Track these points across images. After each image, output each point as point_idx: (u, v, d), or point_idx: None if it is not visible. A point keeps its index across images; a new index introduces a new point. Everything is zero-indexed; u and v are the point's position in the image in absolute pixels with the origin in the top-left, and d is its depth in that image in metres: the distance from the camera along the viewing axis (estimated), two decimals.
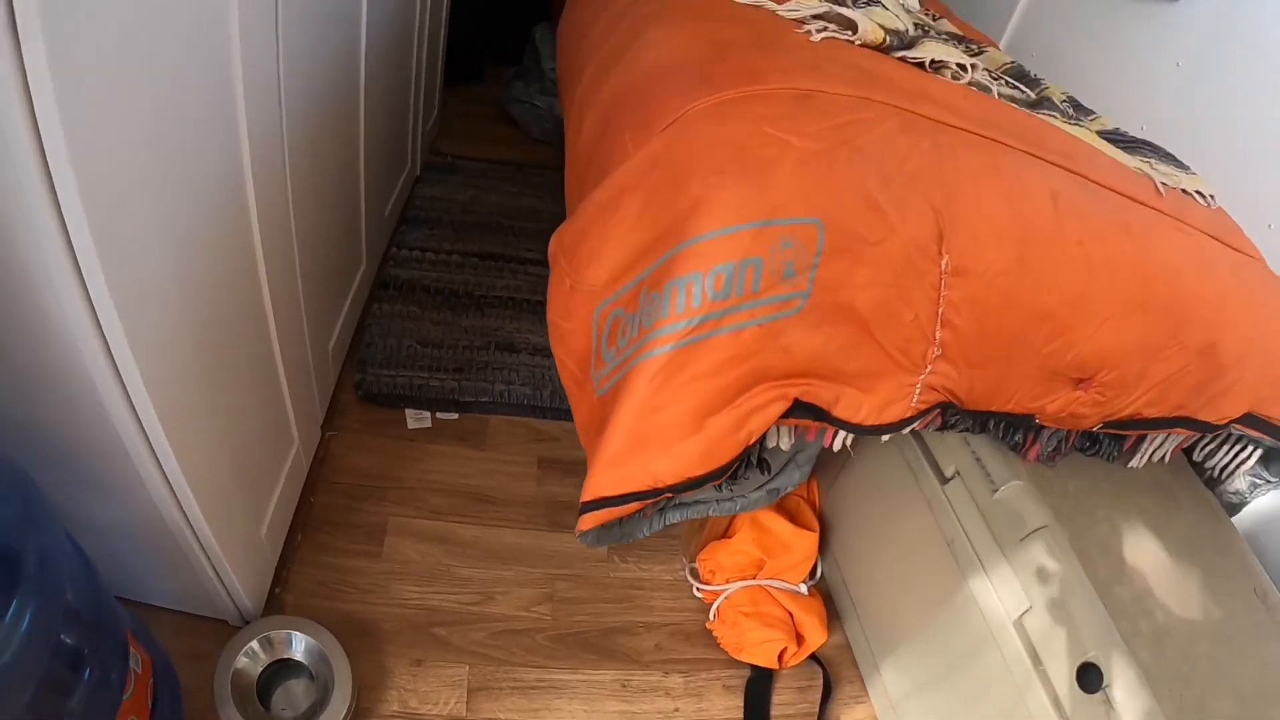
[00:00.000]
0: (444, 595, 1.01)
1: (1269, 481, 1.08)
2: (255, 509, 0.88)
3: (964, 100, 0.78)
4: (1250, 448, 1.03)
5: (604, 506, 0.63)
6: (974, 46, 1.23)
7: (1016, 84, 1.10)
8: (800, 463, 0.82)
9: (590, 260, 0.65)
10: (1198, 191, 1.04)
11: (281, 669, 0.87)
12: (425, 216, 1.50)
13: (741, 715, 1.01)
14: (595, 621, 1.04)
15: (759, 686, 1.03)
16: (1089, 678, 0.77)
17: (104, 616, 0.60)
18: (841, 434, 0.73)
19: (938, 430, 0.84)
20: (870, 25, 0.80)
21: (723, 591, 1.05)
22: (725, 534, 1.08)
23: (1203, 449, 1.06)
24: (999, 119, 0.79)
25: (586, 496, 0.63)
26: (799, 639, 1.05)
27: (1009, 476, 0.87)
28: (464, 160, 1.72)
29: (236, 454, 0.79)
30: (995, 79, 1.06)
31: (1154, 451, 0.98)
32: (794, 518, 1.11)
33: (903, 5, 1.09)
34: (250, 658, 0.84)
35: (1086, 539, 0.86)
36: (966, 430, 0.85)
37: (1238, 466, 1.05)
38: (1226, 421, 0.94)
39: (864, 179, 0.61)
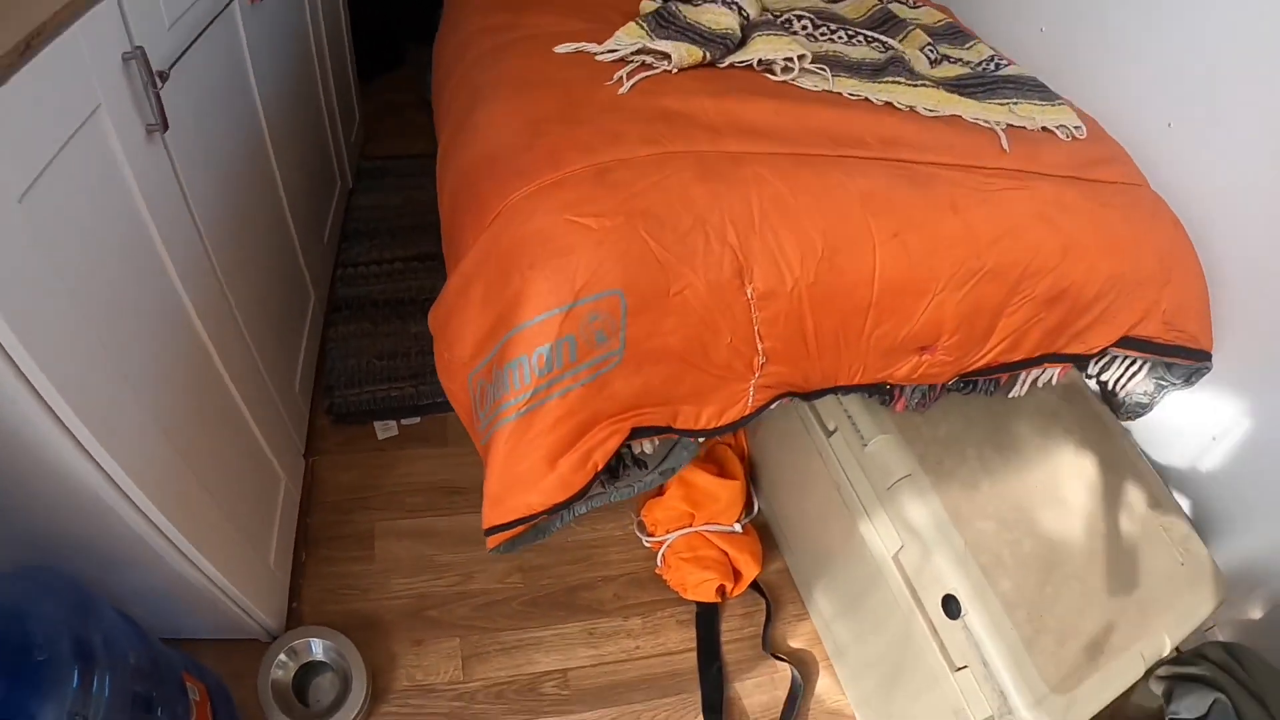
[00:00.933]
0: (431, 582, 1.27)
1: (1173, 384, 1.23)
2: (260, 545, 1.11)
3: (775, 115, 0.90)
4: (1139, 362, 1.18)
5: (499, 531, 0.85)
6: None
7: (876, 37, 1.18)
8: (684, 444, 1.02)
9: (455, 339, 0.83)
10: (1059, 126, 1.14)
11: (308, 669, 1.12)
12: (364, 229, 1.67)
13: (695, 644, 1.29)
14: (560, 582, 1.29)
15: (707, 618, 1.28)
16: (951, 607, 0.96)
17: (161, 665, 0.84)
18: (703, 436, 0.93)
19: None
20: (684, 51, 0.91)
21: (664, 541, 1.30)
22: (660, 492, 1.31)
23: (1095, 366, 1.22)
24: (812, 125, 0.91)
25: (484, 526, 0.85)
26: (736, 574, 1.28)
27: (876, 431, 1.04)
28: (393, 160, 1.87)
29: (231, 510, 1.00)
30: (846, 42, 1.16)
31: (1032, 382, 1.15)
32: (721, 466, 1.33)
33: None
34: (282, 667, 1.09)
35: (952, 479, 1.03)
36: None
37: (1130, 379, 1.20)
38: (1099, 349, 1.09)
39: (658, 241, 0.76)
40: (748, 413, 0.88)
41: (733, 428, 0.88)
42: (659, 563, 1.30)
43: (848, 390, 0.97)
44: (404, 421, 1.41)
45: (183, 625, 1.07)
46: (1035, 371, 1.11)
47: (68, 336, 0.64)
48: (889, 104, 1.03)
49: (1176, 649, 1.04)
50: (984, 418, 1.12)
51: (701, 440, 0.95)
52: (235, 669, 1.07)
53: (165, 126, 0.77)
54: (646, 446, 0.90)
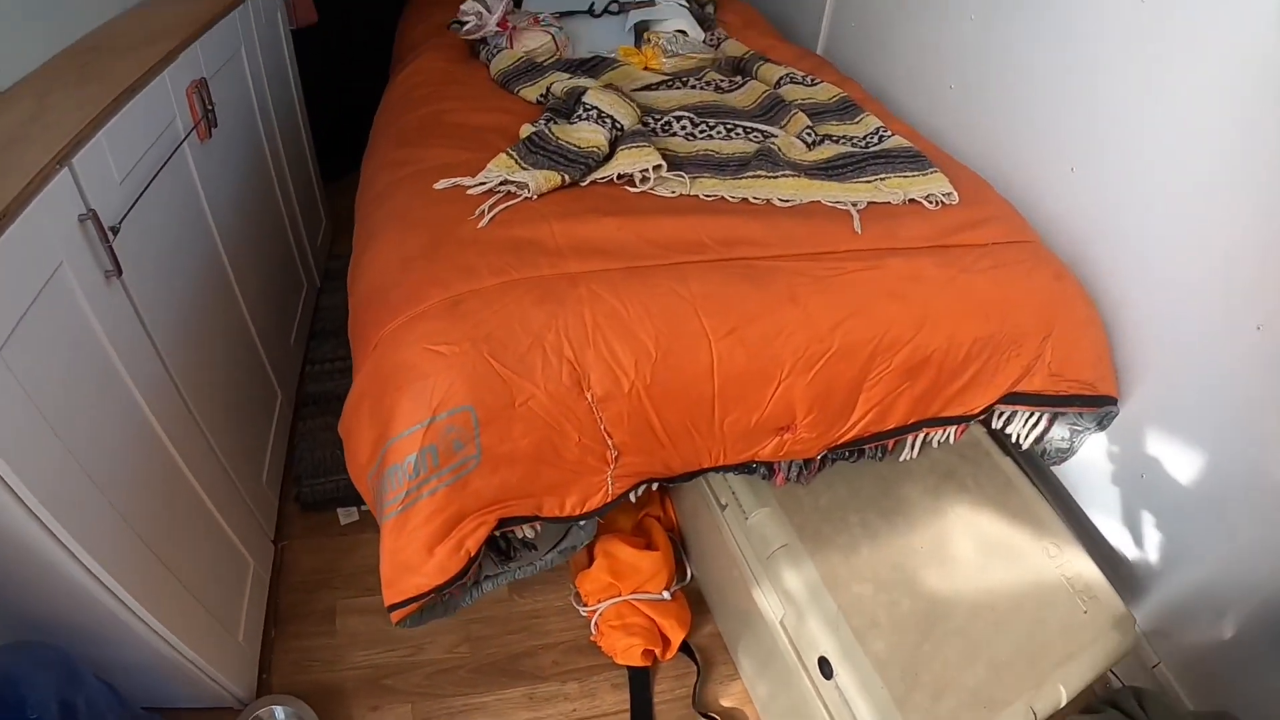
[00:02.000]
0: (387, 653, 1.48)
1: (1087, 428, 1.37)
2: (229, 623, 1.34)
3: (617, 231, 1.11)
4: (1038, 415, 1.33)
5: (397, 608, 1.07)
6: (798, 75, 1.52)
7: (755, 128, 1.40)
8: (581, 524, 1.22)
9: (354, 447, 1.06)
10: (928, 196, 1.32)
11: None
12: (330, 327, 1.94)
13: (629, 706, 1.47)
14: (504, 650, 1.49)
15: (640, 681, 1.45)
16: (825, 669, 1.10)
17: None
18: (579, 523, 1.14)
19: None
20: (541, 179, 1.15)
21: (596, 610, 1.49)
22: (589, 563, 1.51)
23: (998, 422, 1.37)
24: (651, 237, 1.12)
25: (386, 601, 1.07)
26: (664, 640, 1.46)
27: (756, 505, 1.22)
28: None
29: (201, 594, 1.22)
30: (724, 137, 1.38)
31: (923, 444, 1.31)
32: (648, 537, 1.52)
33: (630, 74, 1.41)
34: None
35: (831, 546, 1.20)
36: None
37: (1036, 430, 1.35)
38: (983, 409, 1.25)
39: (500, 361, 0.98)
40: (610, 499, 1.08)
41: (600, 513, 1.09)
42: (593, 630, 1.50)
43: (716, 471, 1.16)
44: (363, 508, 1.66)
45: (161, 694, 1.28)
46: (921, 437, 1.28)
47: (48, 458, 0.86)
48: (745, 200, 1.24)
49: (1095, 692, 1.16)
50: (871, 484, 1.28)
51: (584, 524, 1.16)
52: None
53: (120, 272, 1.03)
54: (528, 532, 1.11)
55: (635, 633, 1.44)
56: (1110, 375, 1.26)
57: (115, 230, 1.02)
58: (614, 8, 1.77)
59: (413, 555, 1.00)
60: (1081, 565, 1.25)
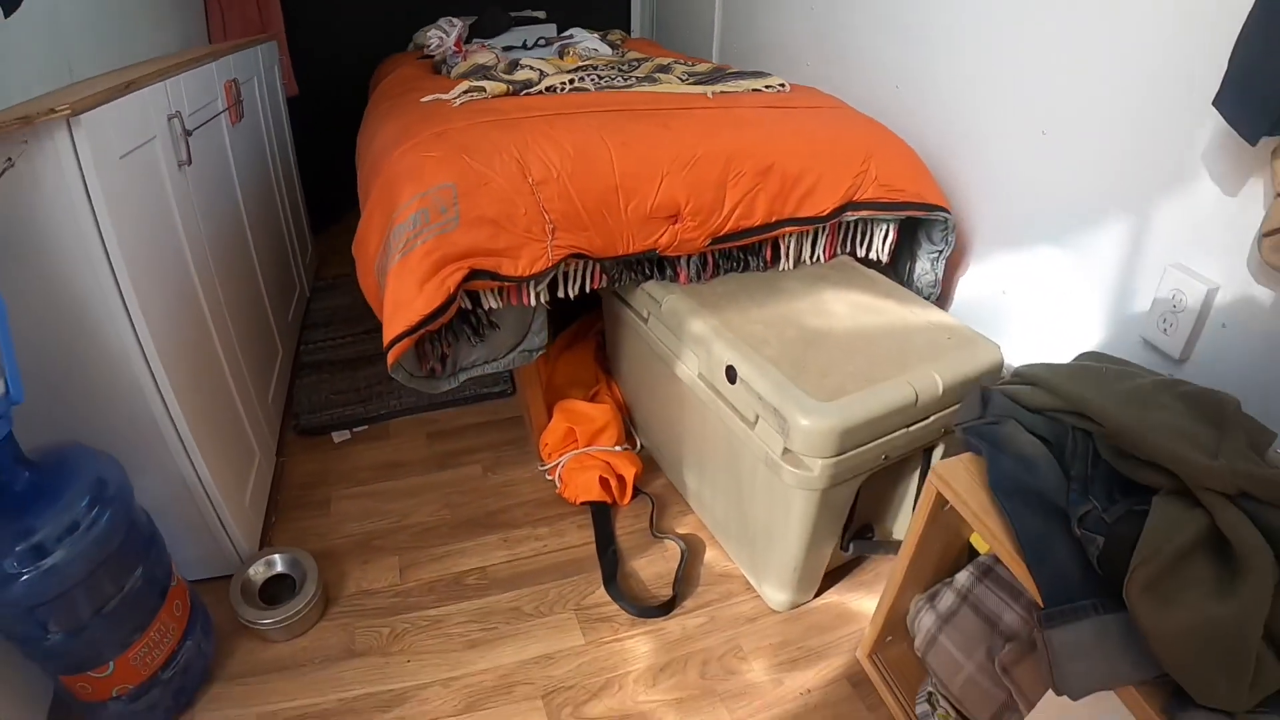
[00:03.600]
0: (376, 522, 1.92)
1: (937, 248, 2.00)
2: (239, 490, 1.84)
3: (547, 102, 1.87)
4: (886, 225, 2.00)
5: (396, 343, 1.62)
6: (665, 62, 2.40)
7: (643, 77, 2.23)
8: (535, 328, 1.81)
9: (365, 244, 1.66)
10: (766, 85, 2.11)
11: (276, 584, 1.75)
12: (320, 320, 2.59)
13: (594, 537, 1.92)
14: (480, 510, 1.94)
15: (601, 513, 1.91)
16: (731, 375, 1.58)
17: (156, 543, 1.41)
18: (530, 291, 1.75)
19: (612, 287, 1.86)
20: (493, 86, 1.93)
21: (558, 465, 2.01)
22: (548, 420, 2.05)
23: (862, 249, 2.03)
24: (571, 101, 1.85)
25: (385, 341, 1.61)
26: (619, 479, 1.97)
27: (666, 294, 1.82)
28: (342, 279, 2.88)
29: (224, 449, 1.77)
30: (622, 81, 2.20)
31: (795, 255, 1.97)
32: (595, 399, 2.09)
33: (555, 64, 2.27)
34: (251, 574, 1.77)
35: (728, 310, 1.70)
36: (628, 279, 1.84)
37: (884, 241, 1.98)
38: (831, 211, 1.88)
39: (472, 157, 1.65)
40: (552, 263, 1.69)
41: (544, 275, 1.69)
42: (557, 483, 1.99)
43: (629, 260, 1.80)
44: (355, 430, 2.20)
45: (178, 560, 1.72)
46: (793, 244, 1.94)
47: (148, 264, 1.42)
48: (632, 91, 2.02)
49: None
50: (758, 282, 1.86)
51: (538, 331, 1.77)
52: (215, 599, 1.65)
53: (190, 161, 1.73)
54: (493, 301, 1.71)
55: (591, 468, 1.95)
56: (933, 188, 1.93)
57: (189, 133, 1.73)
58: (542, 42, 2.70)
59: (408, 289, 1.59)
60: (942, 318, 1.75)
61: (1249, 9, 1.18)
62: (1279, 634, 0.83)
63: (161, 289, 1.46)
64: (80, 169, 1.20)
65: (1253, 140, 1.22)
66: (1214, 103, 1.26)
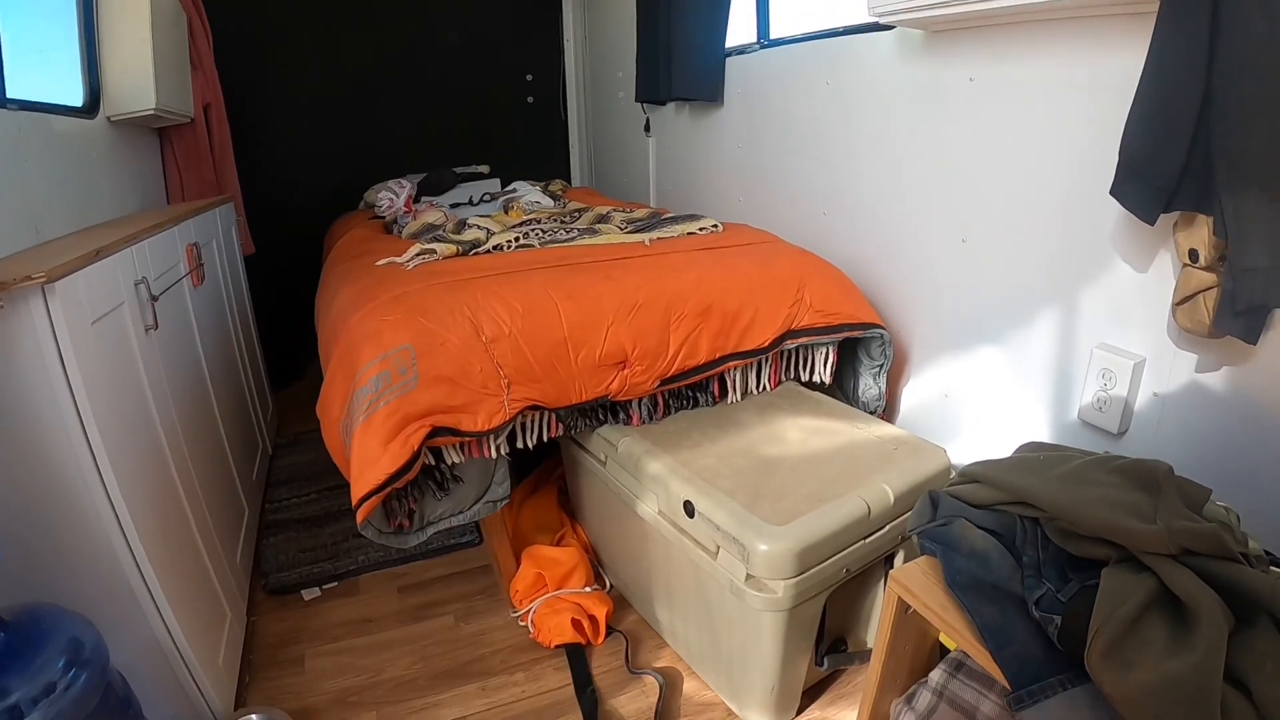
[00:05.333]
0: (352, 678, 1.94)
1: (876, 363, 2.17)
2: (212, 649, 1.87)
3: (495, 261, 2.03)
4: (825, 348, 2.16)
5: (365, 501, 1.71)
6: (607, 212, 2.60)
7: (585, 229, 2.42)
8: (497, 479, 1.91)
9: (329, 407, 1.78)
10: (700, 228, 2.29)
11: None
12: (283, 478, 2.66)
13: (571, 679, 1.98)
14: (456, 660, 1.97)
15: (577, 655, 1.97)
16: (689, 509, 1.70)
17: (130, 699, 1.41)
18: (490, 445, 1.87)
19: (570, 435, 1.99)
20: (443, 248, 2.10)
21: (530, 610, 2.08)
22: (517, 566, 2.14)
23: (805, 373, 2.20)
24: (515, 260, 2.02)
25: (354, 500, 1.70)
26: (591, 619, 2.04)
27: (620, 437, 1.95)
28: (303, 436, 2.98)
29: (195, 609, 1.84)
30: (565, 235, 2.38)
31: (742, 388, 2.12)
32: (561, 543, 2.18)
33: (501, 220, 2.45)
34: None
35: (680, 448, 1.85)
36: (584, 426, 1.98)
37: (826, 364, 2.15)
38: (772, 341, 2.04)
39: (427, 319, 1.79)
40: (509, 417, 1.81)
41: (501, 430, 1.81)
42: (530, 628, 2.06)
43: (583, 407, 1.93)
44: (324, 587, 2.26)
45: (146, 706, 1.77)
46: (738, 376, 2.09)
47: (119, 425, 1.57)
48: (574, 245, 2.20)
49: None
50: (709, 419, 2.00)
51: (500, 482, 1.89)
52: None
53: (157, 326, 1.82)
54: (455, 456, 1.83)
55: (563, 611, 2.03)
56: (865, 307, 2.11)
57: (155, 298, 1.85)
58: (487, 198, 2.90)
59: (373, 449, 1.69)
60: (888, 430, 1.91)
61: (1128, 108, 1.36)
62: (1241, 676, 0.91)
63: (131, 451, 1.53)
64: (54, 334, 1.28)
65: (1151, 221, 1.39)
66: (1111, 192, 1.44)
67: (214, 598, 1.89)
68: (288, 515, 2.51)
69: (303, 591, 2.23)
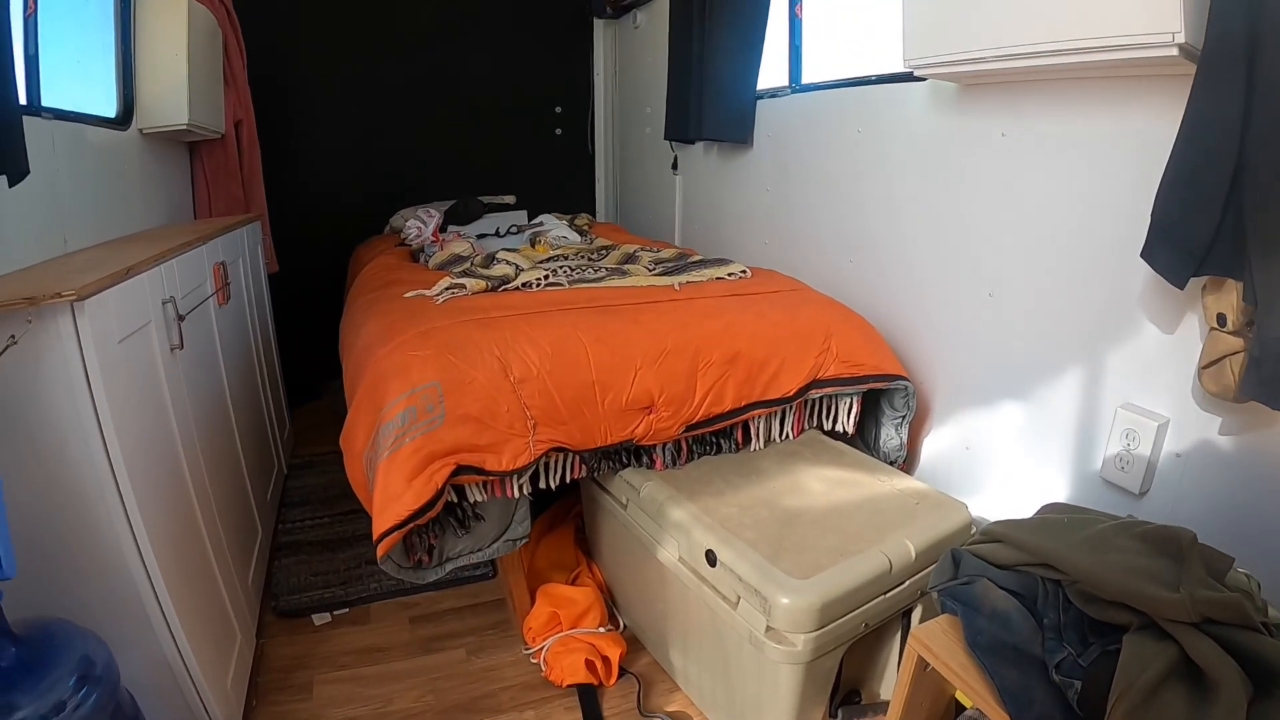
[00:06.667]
0: (359, 708, 1.95)
1: (899, 414, 2.20)
2: (221, 671, 1.90)
3: (524, 300, 2.07)
4: (849, 399, 2.19)
5: (386, 537, 1.74)
6: (631, 250, 2.64)
7: (613, 269, 2.45)
8: (518, 518, 1.94)
9: (353, 440, 1.82)
10: (729, 273, 2.32)
11: None
12: (298, 500, 2.68)
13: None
14: (466, 695, 1.98)
15: (588, 696, 1.99)
16: (711, 558, 1.71)
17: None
18: (514, 484, 1.89)
19: (593, 477, 2.02)
20: (473, 283, 2.14)
21: (543, 648, 2.10)
22: (531, 603, 2.16)
23: (829, 423, 2.22)
24: (544, 300, 2.05)
25: (375, 535, 1.73)
26: (605, 660, 2.05)
27: (644, 481, 1.98)
28: (319, 457, 3.01)
29: (206, 629, 1.86)
30: (593, 273, 2.42)
31: (766, 435, 2.15)
32: (576, 581, 2.19)
33: (529, 255, 2.49)
34: None
35: (703, 495, 1.88)
36: (606, 468, 2.00)
37: (849, 414, 2.18)
38: (797, 391, 2.08)
39: (456, 356, 1.82)
40: (533, 458, 1.84)
41: (524, 470, 1.84)
42: (543, 667, 2.08)
43: (607, 450, 1.96)
44: (335, 613, 2.28)
45: None
46: (762, 424, 2.12)
47: (138, 442, 1.56)
48: (603, 286, 2.23)
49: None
50: (731, 466, 2.03)
51: (520, 520, 1.91)
52: None
53: (182, 346, 1.85)
54: (478, 495, 1.85)
55: (576, 650, 2.04)
56: (890, 358, 2.13)
57: (182, 318, 1.87)
58: (514, 229, 2.94)
59: (396, 485, 1.72)
60: (910, 484, 1.92)
61: (1160, 167, 1.39)
62: None
63: (151, 469, 1.55)
64: (81, 351, 1.30)
65: (1180, 285, 1.41)
66: (1142, 254, 1.46)
67: (225, 618, 1.91)
68: (301, 538, 2.53)
69: (313, 616, 2.24)
